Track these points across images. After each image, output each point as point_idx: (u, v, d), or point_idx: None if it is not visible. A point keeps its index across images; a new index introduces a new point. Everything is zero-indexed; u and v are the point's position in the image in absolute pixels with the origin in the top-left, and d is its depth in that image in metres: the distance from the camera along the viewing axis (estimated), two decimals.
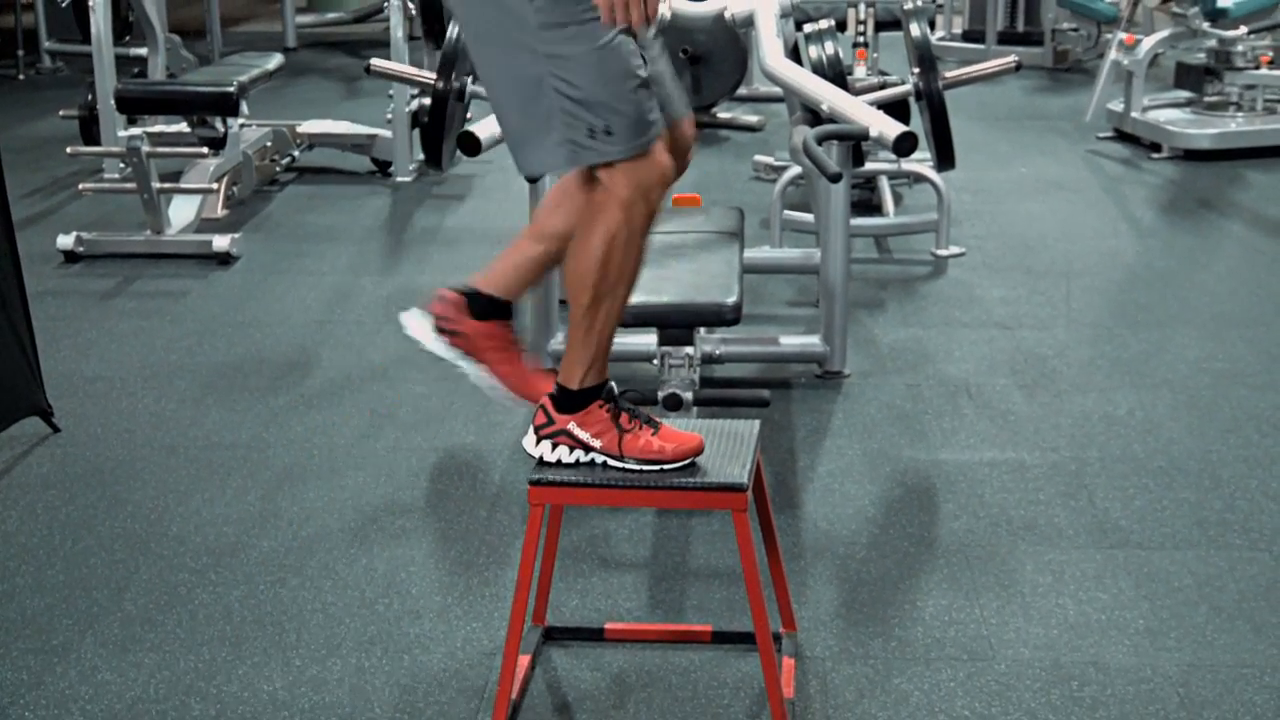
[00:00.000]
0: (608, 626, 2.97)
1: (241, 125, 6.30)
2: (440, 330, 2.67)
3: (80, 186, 5.87)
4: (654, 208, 2.46)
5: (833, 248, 4.28)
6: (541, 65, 2.39)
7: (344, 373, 4.37)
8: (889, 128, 3.80)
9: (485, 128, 3.87)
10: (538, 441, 2.58)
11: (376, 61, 5.23)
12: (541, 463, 2.57)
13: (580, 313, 2.50)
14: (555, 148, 2.45)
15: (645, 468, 2.52)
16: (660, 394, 3.57)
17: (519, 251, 2.72)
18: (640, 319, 3.59)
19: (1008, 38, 9.22)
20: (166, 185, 5.60)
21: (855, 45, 6.10)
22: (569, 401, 2.55)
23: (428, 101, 4.81)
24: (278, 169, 6.69)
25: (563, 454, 2.56)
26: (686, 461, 2.53)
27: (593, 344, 2.52)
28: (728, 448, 2.59)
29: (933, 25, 8.95)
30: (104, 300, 5.14)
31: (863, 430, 3.95)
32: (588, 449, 2.54)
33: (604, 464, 2.54)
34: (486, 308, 2.67)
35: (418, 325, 2.70)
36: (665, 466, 2.53)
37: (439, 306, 2.69)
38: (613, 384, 2.57)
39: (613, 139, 2.40)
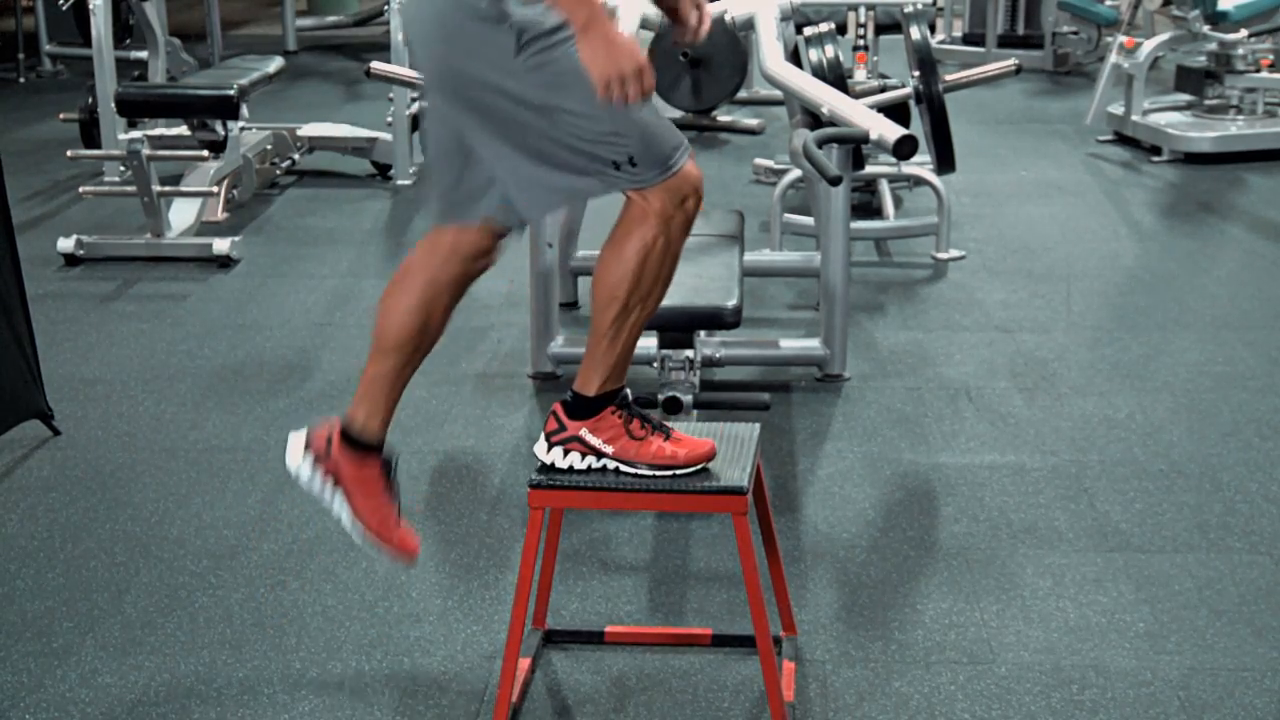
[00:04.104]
0: (608, 630, 2.97)
1: (242, 128, 6.30)
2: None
3: (80, 189, 5.87)
4: (690, 217, 2.48)
5: (833, 251, 4.28)
6: (543, 117, 2.39)
7: (344, 375, 4.36)
8: (889, 131, 3.80)
9: None
10: (549, 448, 2.56)
11: (377, 65, 5.23)
12: (552, 469, 2.55)
13: (609, 321, 2.49)
14: (578, 180, 2.46)
15: (657, 473, 2.52)
16: (660, 397, 3.58)
17: (368, 375, 2.68)
18: None
19: (1008, 41, 9.22)
20: (167, 188, 5.60)
21: (855, 48, 6.10)
22: (583, 408, 2.54)
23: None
24: (278, 172, 6.70)
25: (574, 460, 2.55)
26: (699, 467, 2.53)
27: (616, 352, 2.52)
28: (728, 451, 2.59)
29: (933, 28, 8.93)
30: (104, 303, 5.14)
31: (863, 433, 3.95)
32: (599, 455, 2.54)
33: (616, 470, 2.53)
34: (359, 444, 2.67)
35: (295, 449, 2.70)
36: (678, 471, 2.53)
37: (318, 438, 2.68)
38: (627, 391, 2.57)
39: (638, 169, 2.42)
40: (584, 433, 2.54)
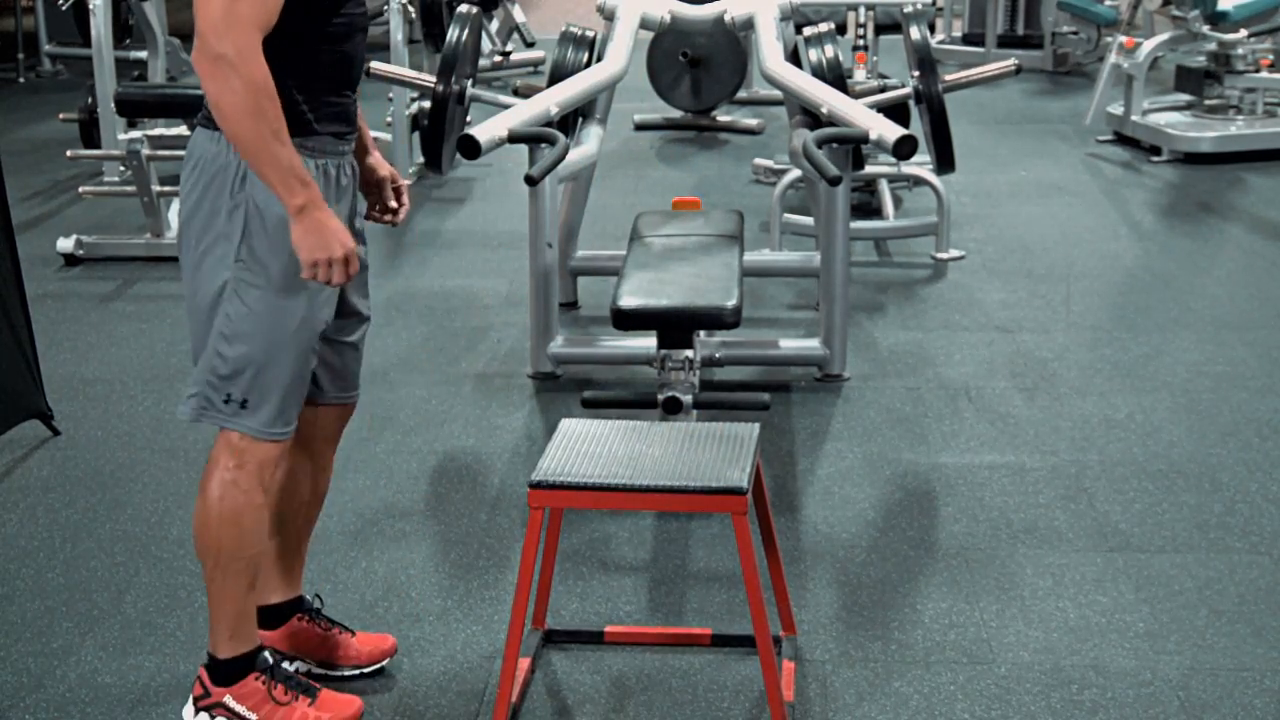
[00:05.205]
0: (607, 629, 2.97)
1: None
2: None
3: (80, 190, 5.88)
4: (259, 485, 2.50)
5: (832, 251, 4.28)
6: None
7: None
8: (889, 131, 3.80)
9: (485, 131, 3.87)
10: (196, 713, 2.64)
11: (376, 64, 5.23)
12: None
13: (206, 576, 2.55)
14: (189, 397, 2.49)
15: None
16: (660, 397, 3.58)
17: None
18: (640, 321, 3.60)
19: (1007, 41, 9.22)
20: (166, 188, 5.59)
21: (855, 48, 6.10)
22: (222, 672, 2.61)
23: (427, 104, 4.81)
24: None
25: None
26: None
27: (227, 610, 2.56)
28: (727, 451, 2.59)
29: (932, 28, 8.94)
30: (104, 303, 5.14)
31: (862, 433, 3.95)
32: None
33: None
34: (276, 614, 2.77)
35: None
36: None
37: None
38: (267, 653, 2.64)
39: (246, 414, 2.46)
40: (228, 699, 2.61)
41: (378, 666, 2.83)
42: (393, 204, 2.76)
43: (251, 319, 2.43)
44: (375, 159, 2.74)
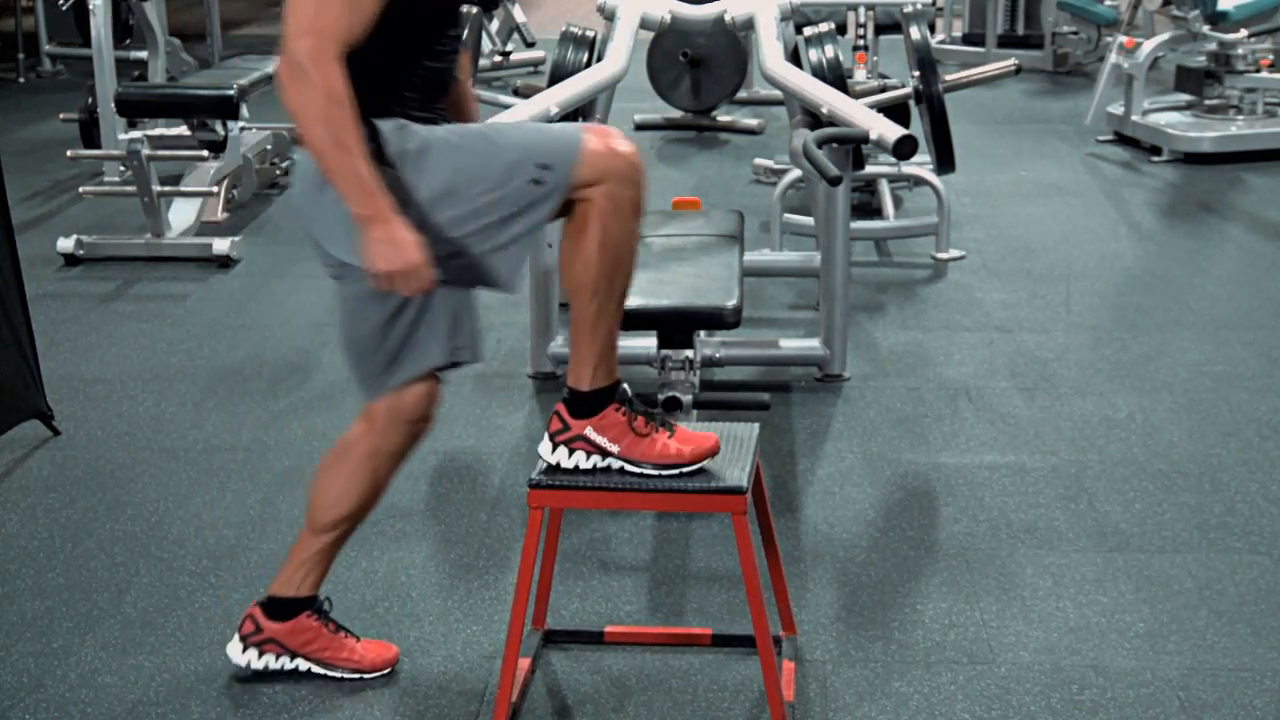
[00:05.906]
0: (607, 630, 2.97)
1: (242, 128, 6.29)
2: (248, 645, 2.81)
3: (80, 190, 5.87)
4: (634, 192, 2.48)
5: (833, 251, 4.28)
6: (455, 203, 2.49)
7: (344, 375, 4.33)
8: (889, 131, 3.80)
9: None
10: (554, 448, 2.56)
11: None
12: (558, 469, 2.55)
13: (581, 311, 2.52)
14: (523, 219, 2.49)
15: (663, 472, 2.52)
16: (660, 397, 3.58)
17: (303, 548, 2.78)
18: (640, 321, 3.60)
19: (1007, 41, 9.21)
20: (167, 188, 5.60)
21: (855, 48, 6.10)
22: (583, 405, 2.54)
23: None
24: (278, 172, 6.69)
25: (580, 459, 2.54)
26: (703, 463, 2.54)
27: (597, 341, 2.52)
28: (727, 451, 2.59)
29: (932, 28, 8.93)
30: (104, 303, 5.14)
31: (863, 433, 3.95)
32: (605, 453, 2.53)
33: (621, 469, 2.53)
34: (287, 608, 2.80)
35: (235, 650, 2.83)
36: (684, 469, 2.52)
37: (246, 624, 2.82)
38: (626, 387, 2.57)
39: (554, 169, 2.45)
40: (589, 431, 2.53)
41: (377, 674, 2.83)
42: None
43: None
44: None
